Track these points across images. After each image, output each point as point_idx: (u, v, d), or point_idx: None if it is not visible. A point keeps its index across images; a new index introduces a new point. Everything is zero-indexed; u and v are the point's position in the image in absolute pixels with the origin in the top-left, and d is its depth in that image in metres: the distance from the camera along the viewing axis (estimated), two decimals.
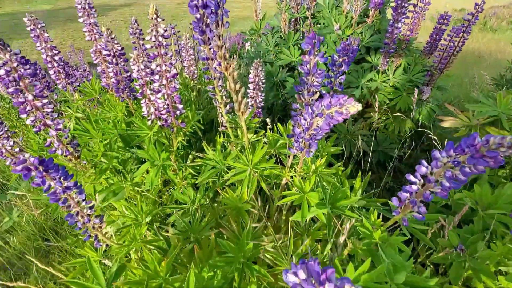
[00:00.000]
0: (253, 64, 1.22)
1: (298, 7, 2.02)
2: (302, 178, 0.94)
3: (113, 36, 1.16)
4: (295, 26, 2.13)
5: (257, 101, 1.31)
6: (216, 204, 1.10)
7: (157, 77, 0.98)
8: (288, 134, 1.01)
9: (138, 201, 1.00)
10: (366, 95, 1.76)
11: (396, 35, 1.55)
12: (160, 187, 1.32)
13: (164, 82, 0.99)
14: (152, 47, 0.94)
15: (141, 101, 1.11)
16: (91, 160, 1.14)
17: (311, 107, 0.69)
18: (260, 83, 1.26)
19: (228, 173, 0.98)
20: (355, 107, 0.61)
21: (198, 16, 0.77)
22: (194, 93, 1.79)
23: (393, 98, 1.89)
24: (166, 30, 0.91)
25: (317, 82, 0.83)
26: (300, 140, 0.78)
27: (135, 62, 1.04)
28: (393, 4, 1.52)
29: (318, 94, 0.86)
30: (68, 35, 14.64)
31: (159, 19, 0.90)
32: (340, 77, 0.98)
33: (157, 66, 0.96)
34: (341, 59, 0.94)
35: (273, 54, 2.11)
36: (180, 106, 1.07)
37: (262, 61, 1.22)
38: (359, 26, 1.70)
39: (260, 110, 1.36)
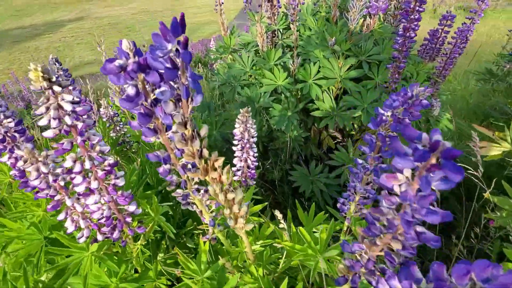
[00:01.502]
0: (239, 117, 0.81)
1: (275, 17, 1.63)
2: None
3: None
4: (272, 39, 1.74)
5: (249, 162, 0.90)
6: None
7: (79, 179, 0.53)
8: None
9: None
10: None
11: (408, 46, 1.21)
12: None
13: (95, 184, 0.55)
14: (55, 128, 0.49)
15: (59, 216, 0.64)
16: None
17: None
18: (251, 140, 0.85)
19: None
20: None
21: (132, 91, 0.35)
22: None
23: None
24: (78, 101, 0.47)
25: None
26: None
27: (29, 162, 0.56)
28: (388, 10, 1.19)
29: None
30: (15, 58, 13.19)
31: (56, 88, 0.45)
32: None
33: (74, 162, 0.51)
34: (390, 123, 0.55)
35: (250, 76, 1.71)
36: (132, 207, 0.63)
37: (250, 111, 0.81)
38: (355, 38, 1.35)
39: (253, 171, 0.95)
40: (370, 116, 1.44)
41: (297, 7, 1.23)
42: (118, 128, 1.40)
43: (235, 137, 0.84)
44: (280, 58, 1.54)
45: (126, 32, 17.16)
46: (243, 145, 0.84)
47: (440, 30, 1.57)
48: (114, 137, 1.38)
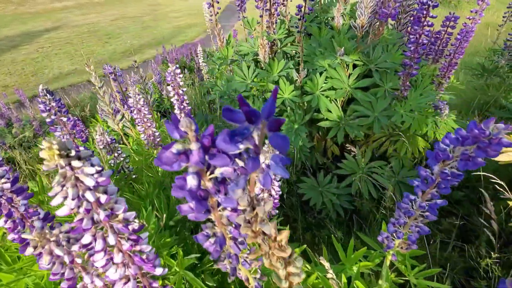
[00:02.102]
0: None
1: (274, 26, 1.55)
2: None
3: None
4: (271, 48, 1.66)
5: (273, 192, 0.82)
6: None
7: (100, 255, 0.43)
8: None
9: None
10: (385, 127, 1.36)
11: (419, 54, 1.16)
12: None
13: (119, 258, 0.45)
14: (74, 208, 0.39)
15: None
16: None
17: None
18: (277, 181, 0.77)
19: None
20: None
21: (194, 182, 0.26)
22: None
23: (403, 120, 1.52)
24: (100, 170, 0.37)
25: None
26: None
27: (39, 246, 0.46)
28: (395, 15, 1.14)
29: None
30: None
31: (75, 163, 0.35)
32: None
33: (94, 237, 0.42)
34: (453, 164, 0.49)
35: (251, 88, 1.63)
36: (159, 270, 0.54)
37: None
38: (363, 47, 1.29)
39: (276, 200, 0.87)
40: (380, 125, 1.39)
41: (303, 18, 1.15)
42: (116, 154, 1.29)
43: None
44: (283, 69, 1.47)
45: (106, 39, 16.65)
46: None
47: (443, 32, 1.54)
48: (113, 165, 1.27)
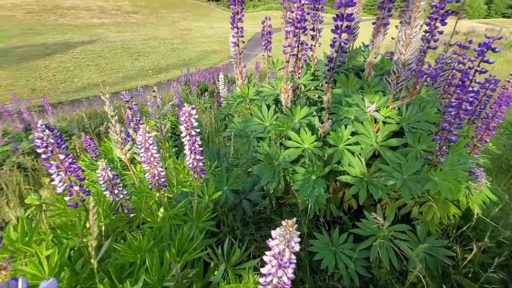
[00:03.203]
0: (278, 233, 0.59)
1: (299, 71, 1.47)
2: None
3: None
4: (294, 92, 1.57)
5: (285, 279, 0.67)
6: None
7: None
8: None
9: None
10: (415, 194, 1.20)
11: (461, 119, 1.03)
12: None
13: None
14: None
15: None
16: None
17: None
18: (292, 258, 0.63)
19: None
20: None
21: None
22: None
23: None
24: None
25: None
26: None
27: None
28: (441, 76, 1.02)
29: None
30: (21, 74, 13.24)
31: None
32: None
33: None
34: None
35: (269, 131, 1.52)
36: None
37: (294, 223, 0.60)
38: (396, 103, 1.18)
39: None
40: (410, 191, 1.22)
41: (333, 69, 1.06)
42: (116, 191, 1.18)
43: (271, 254, 0.62)
44: (306, 116, 1.36)
45: (136, 56, 17.51)
46: (280, 264, 0.62)
47: (481, 93, 1.41)
48: (111, 202, 1.16)
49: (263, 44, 1.85)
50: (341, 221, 1.75)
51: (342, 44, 0.98)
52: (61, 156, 0.82)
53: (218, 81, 4.32)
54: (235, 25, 1.49)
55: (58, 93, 11.67)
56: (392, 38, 1.89)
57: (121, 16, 29.57)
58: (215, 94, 6.75)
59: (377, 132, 1.21)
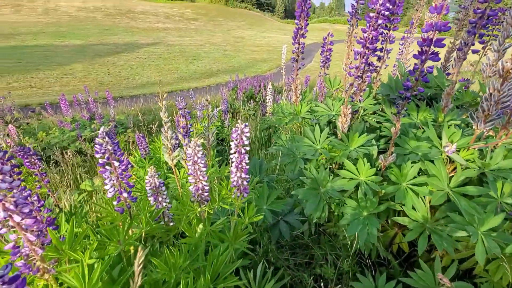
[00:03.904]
0: None
1: (361, 93, 1.34)
2: None
3: None
4: (352, 115, 1.44)
5: None
6: None
7: None
8: None
9: None
10: (490, 254, 0.99)
11: None
12: None
13: None
14: None
15: None
16: None
17: None
18: None
19: None
20: None
21: None
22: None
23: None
24: None
25: None
26: None
27: None
28: None
29: None
30: (93, 69, 14.85)
31: None
32: None
33: None
34: None
35: (320, 154, 1.40)
36: None
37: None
38: (479, 144, 0.98)
39: None
40: (486, 250, 1.01)
41: (408, 99, 0.92)
42: (160, 198, 1.17)
43: None
44: (364, 144, 1.22)
45: (191, 59, 18.57)
46: None
47: None
48: (154, 210, 1.15)
49: (322, 60, 1.76)
50: (389, 264, 1.55)
51: (425, 71, 0.84)
52: (116, 163, 0.82)
53: (265, 89, 4.29)
54: (297, 40, 1.42)
55: (121, 88, 12.80)
56: (471, 65, 1.65)
57: (182, 22, 31.77)
58: (260, 102, 6.76)
59: (450, 174, 1.03)
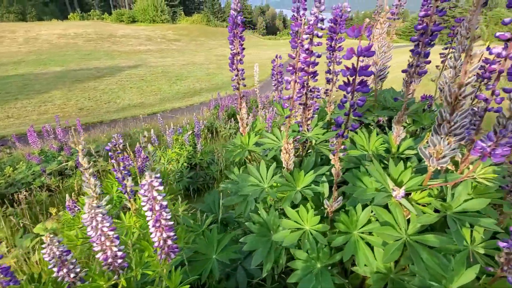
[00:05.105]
0: None
1: (308, 122, 1.17)
2: None
3: None
4: (303, 146, 1.26)
5: None
6: None
7: None
8: None
9: None
10: None
11: None
12: None
13: None
14: None
15: None
16: None
17: None
18: None
19: None
20: None
21: None
22: None
23: None
24: None
25: None
26: None
27: None
28: None
29: None
30: (73, 95, 14.45)
31: None
32: None
33: None
34: None
35: (267, 194, 1.21)
36: None
37: None
38: (435, 182, 0.81)
39: None
40: None
41: (343, 136, 0.74)
42: (66, 270, 0.93)
43: None
44: (311, 183, 1.03)
45: (174, 80, 18.42)
46: None
47: None
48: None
49: (273, 84, 1.59)
50: None
51: (355, 106, 0.67)
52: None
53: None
54: (234, 67, 1.25)
55: (101, 112, 12.45)
56: (437, 67, 1.52)
57: (164, 43, 31.90)
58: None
59: (408, 221, 0.85)
